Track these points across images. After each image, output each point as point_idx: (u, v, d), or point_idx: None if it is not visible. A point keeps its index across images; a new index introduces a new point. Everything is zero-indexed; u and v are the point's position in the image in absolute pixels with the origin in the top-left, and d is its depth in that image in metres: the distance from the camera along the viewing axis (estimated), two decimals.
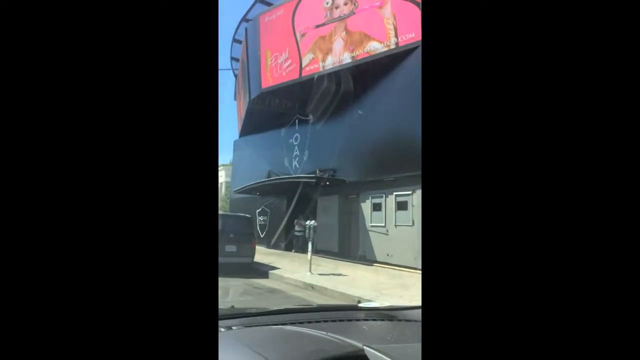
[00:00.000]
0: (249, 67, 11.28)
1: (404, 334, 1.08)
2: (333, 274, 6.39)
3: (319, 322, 1.10)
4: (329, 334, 0.91)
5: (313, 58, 9.19)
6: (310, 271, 6.35)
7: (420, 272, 0.65)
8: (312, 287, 5.51)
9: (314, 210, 9.63)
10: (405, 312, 1.26)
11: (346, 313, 1.28)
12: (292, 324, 1.08)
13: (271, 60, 10.21)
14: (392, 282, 5.76)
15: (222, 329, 0.99)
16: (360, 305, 1.37)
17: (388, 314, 1.26)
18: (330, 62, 8.81)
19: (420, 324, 1.00)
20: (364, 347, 0.79)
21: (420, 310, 1.19)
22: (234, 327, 1.02)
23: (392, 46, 7.70)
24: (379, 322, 1.19)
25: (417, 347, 0.66)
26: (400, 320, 1.21)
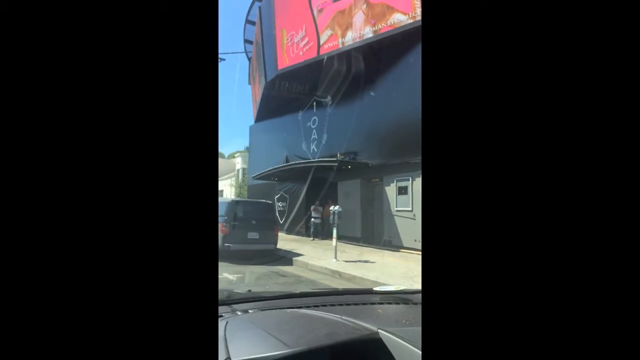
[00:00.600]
0: (264, 48, 10.87)
1: (419, 317, 1.02)
2: (360, 261, 6.13)
3: (333, 305, 1.10)
4: (343, 317, 0.91)
5: (332, 34, 8.70)
6: (335, 258, 6.11)
7: None
8: (340, 274, 5.27)
9: (334, 195, 9.34)
10: (419, 295, 1.25)
11: (361, 297, 1.27)
12: (307, 307, 1.08)
13: (287, 39, 9.77)
14: None
15: (239, 312, 1.00)
16: (375, 289, 1.35)
17: (403, 298, 1.25)
18: (351, 38, 8.31)
19: None
20: (379, 330, 0.79)
21: None
22: (250, 311, 1.02)
23: (418, 17, 7.14)
24: (393, 306, 1.18)
25: None
26: (415, 303, 1.19)
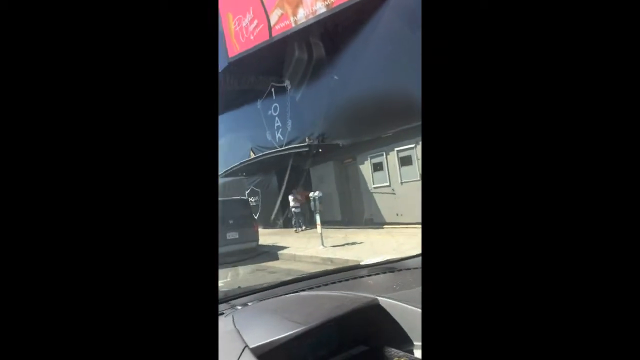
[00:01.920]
0: None
1: (407, 281, 1.17)
2: (347, 244, 5.99)
3: (327, 285, 1.17)
4: (342, 292, 0.97)
5: (282, 14, 8.24)
6: (322, 244, 5.92)
7: None
8: (331, 261, 5.09)
9: (308, 181, 9.08)
10: (403, 262, 1.38)
11: (351, 272, 1.35)
12: (303, 290, 1.12)
13: (235, 24, 9.15)
14: (412, 241, 5.42)
15: (239, 307, 1.02)
16: (361, 263, 1.46)
17: (388, 267, 1.36)
18: (303, 15, 7.91)
19: (418, 270, 1.21)
20: (377, 297, 0.90)
21: (415, 259, 1.36)
22: (249, 303, 1.04)
23: None
24: (381, 275, 1.29)
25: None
26: (400, 270, 1.32)
